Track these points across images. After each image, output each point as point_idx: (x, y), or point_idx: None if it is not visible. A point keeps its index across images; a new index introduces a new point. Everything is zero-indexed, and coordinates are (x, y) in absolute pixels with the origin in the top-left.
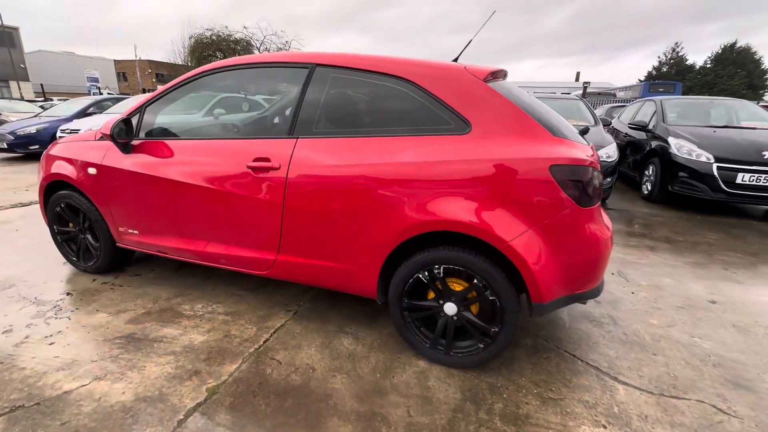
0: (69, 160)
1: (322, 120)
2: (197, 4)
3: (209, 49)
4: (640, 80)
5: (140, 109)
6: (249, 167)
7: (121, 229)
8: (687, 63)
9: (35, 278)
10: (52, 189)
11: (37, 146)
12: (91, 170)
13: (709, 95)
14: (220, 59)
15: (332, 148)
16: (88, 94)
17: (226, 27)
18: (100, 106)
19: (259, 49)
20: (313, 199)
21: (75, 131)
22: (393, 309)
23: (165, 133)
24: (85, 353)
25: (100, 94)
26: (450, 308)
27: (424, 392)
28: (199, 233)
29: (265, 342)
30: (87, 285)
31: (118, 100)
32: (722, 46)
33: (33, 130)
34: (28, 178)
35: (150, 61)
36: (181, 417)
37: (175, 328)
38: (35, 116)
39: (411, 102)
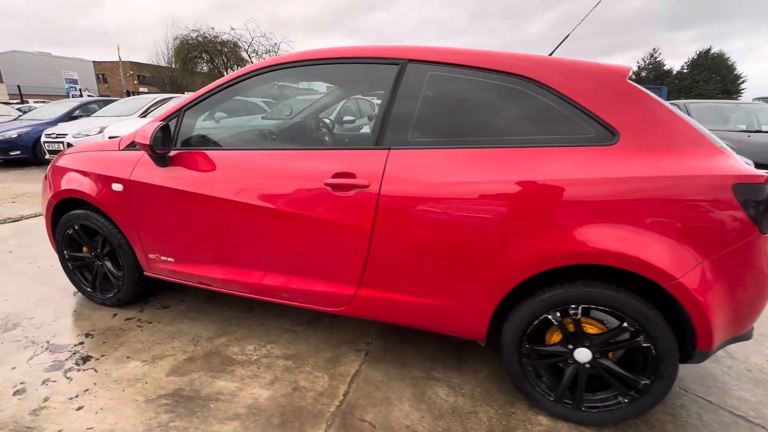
0: (86, 174)
1: (420, 127)
2: (179, 6)
3: (195, 50)
4: None
5: (177, 114)
6: (327, 184)
7: (151, 255)
8: (665, 68)
9: (43, 315)
10: (62, 207)
11: (18, 152)
12: (116, 186)
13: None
14: (206, 61)
15: (435, 161)
16: (67, 96)
17: (213, 28)
18: (86, 109)
19: (247, 51)
20: (412, 223)
21: (61, 135)
22: (508, 355)
23: (209, 141)
24: (126, 422)
25: (80, 96)
26: (583, 355)
27: None
28: (255, 263)
29: (345, 396)
30: (108, 322)
31: (106, 102)
32: (698, 52)
33: (14, 134)
34: (12, 188)
35: (132, 63)
36: None
37: (230, 380)
38: (15, 119)
39: (536, 106)
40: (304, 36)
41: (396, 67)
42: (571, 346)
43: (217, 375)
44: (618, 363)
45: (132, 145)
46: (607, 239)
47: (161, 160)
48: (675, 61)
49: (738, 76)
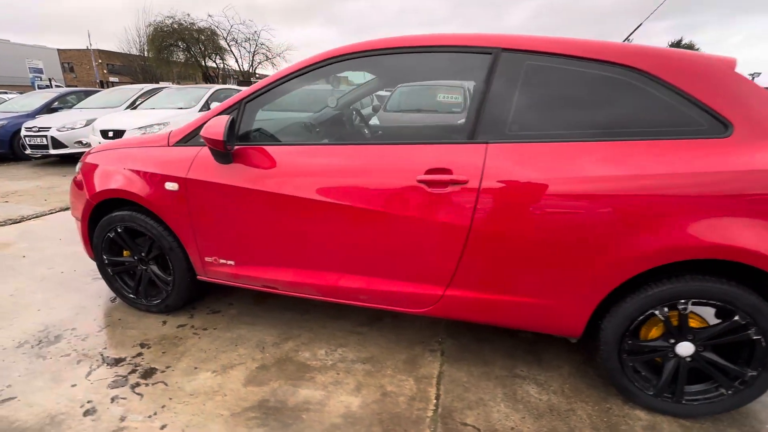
0: (133, 173)
1: (518, 120)
2: None
3: (170, 38)
4: None
5: (238, 107)
6: (421, 181)
7: (208, 258)
8: None
9: (85, 325)
10: (99, 209)
11: None
12: (170, 186)
13: None
14: (183, 49)
15: (538, 156)
16: (32, 87)
17: (188, 15)
18: (63, 101)
19: (225, 40)
20: (514, 221)
21: (44, 129)
22: (608, 352)
23: (275, 136)
24: None
25: (49, 86)
26: (685, 348)
27: None
28: (333, 264)
29: (437, 399)
30: (160, 330)
31: (87, 93)
32: (669, 43)
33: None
34: None
35: (100, 51)
36: None
37: (313, 388)
38: None
39: (644, 97)
40: (281, 24)
41: (488, 57)
42: (673, 341)
43: (298, 383)
44: (720, 355)
45: (184, 141)
46: (723, 234)
47: (225, 156)
48: None
49: None
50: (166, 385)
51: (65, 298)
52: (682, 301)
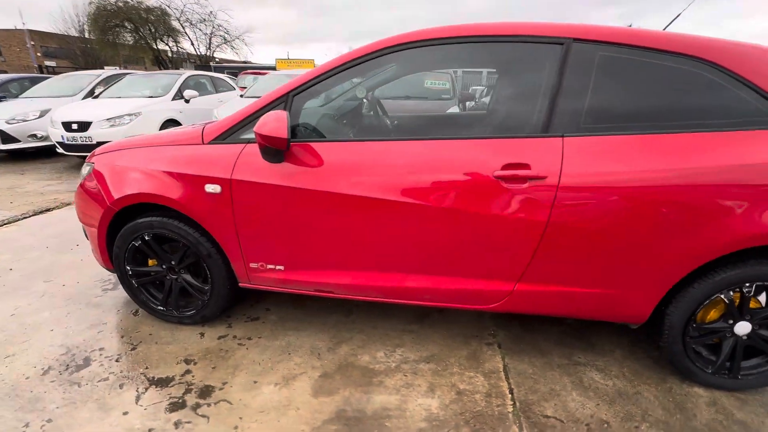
0: (165, 174)
1: (592, 113)
2: None
3: (116, 17)
4: None
5: (285, 100)
6: (498, 177)
7: (253, 265)
8: None
9: (112, 343)
10: (121, 215)
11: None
12: (212, 188)
13: None
14: (131, 30)
15: (614, 148)
16: None
17: None
18: (4, 89)
19: (179, 20)
20: (591, 215)
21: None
22: (673, 336)
23: (329, 131)
24: None
25: None
26: (743, 328)
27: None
28: (398, 265)
29: (512, 394)
30: (201, 344)
31: (35, 81)
32: None
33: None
34: None
35: (33, 32)
36: None
37: (386, 393)
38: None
39: (717, 90)
40: (236, 4)
41: (560, 47)
42: (731, 321)
43: (368, 389)
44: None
45: (222, 138)
46: None
47: (277, 155)
48: None
49: None
50: (230, 403)
51: (78, 314)
52: (747, 284)
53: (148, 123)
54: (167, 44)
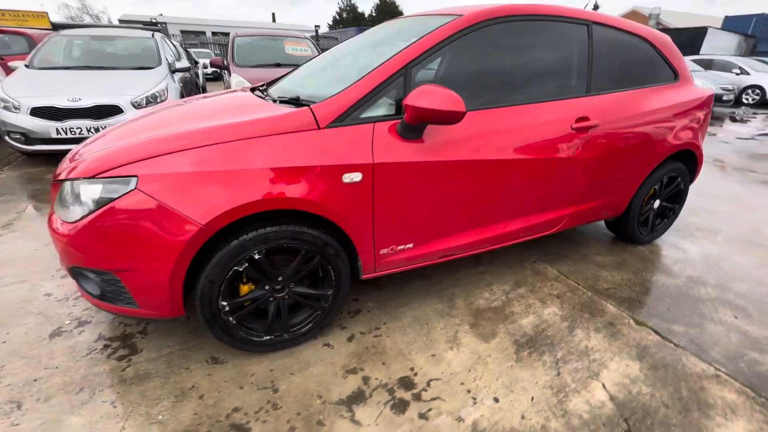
0: (285, 171)
1: (604, 76)
2: None
3: None
4: (330, 25)
5: (404, 72)
6: (573, 128)
7: (384, 250)
8: (359, 11)
9: (251, 398)
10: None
11: None
12: (351, 177)
13: None
14: None
15: (621, 102)
16: None
17: None
18: None
19: None
20: (615, 147)
21: None
22: (632, 216)
23: None
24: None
25: None
26: (656, 204)
27: None
28: (504, 214)
29: (578, 285)
30: (342, 352)
31: None
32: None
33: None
34: None
35: None
36: None
37: (525, 316)
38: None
39: (651, 60)
40: None
41: (585, 27)
42: (654, 200)
43: (512, 319)
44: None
45: (341, 120)
46: (686, 135)
47: (418, 131)
48: (366, 5)
49: None
50: (438, 379)
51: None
52: (665, 177)
53: None
54: None
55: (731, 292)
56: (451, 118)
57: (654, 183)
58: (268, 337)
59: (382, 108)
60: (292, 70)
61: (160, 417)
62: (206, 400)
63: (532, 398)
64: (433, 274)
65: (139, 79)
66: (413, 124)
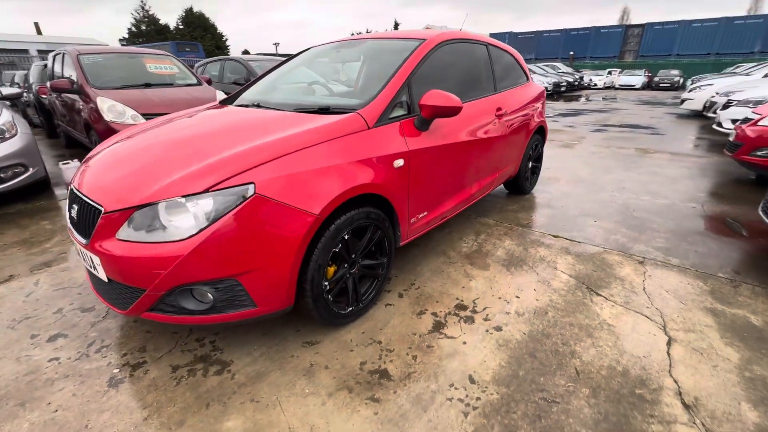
0: (360, 163)
1: (497, 78)
2: None
3: None
4: (124, 38)
5: (408, 82)
6: (496, 116)
7: (413, 220)
8: (162, 23)
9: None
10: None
11: None
12: (398, 163)
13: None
14: None
15: (511, 96)
16: None
17: None
18: None
19: None
20: (512, 125)
21: None
22: (522, 172)
23: None
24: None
25: None
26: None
27: None
28: (473, 179)
29: (528, 224)
30: (397, 309)
31: None
32: (185, 10)
33: None
34: None
35: None
36: None
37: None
38: None
39: (509, 65)
40: None
41: (483, 47)
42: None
43: (527, 251)
44: None
45: (380, 121)
46: (541, 118)
47: (427, 123)
48: (168, 17)
49: (221, 34)
50: (479, 299)
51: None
52: (538, 145)
53: None
54: None
55: (585, 209)
56: (453, 111)
57: (529, 150)
58: (351, 308)
59: (399, 109)
60: (249, 86)
61: (307, 390)
62: (333, 367)
63: (534, 289)
64: (420, 241)
65: None
66: (428, 119)
